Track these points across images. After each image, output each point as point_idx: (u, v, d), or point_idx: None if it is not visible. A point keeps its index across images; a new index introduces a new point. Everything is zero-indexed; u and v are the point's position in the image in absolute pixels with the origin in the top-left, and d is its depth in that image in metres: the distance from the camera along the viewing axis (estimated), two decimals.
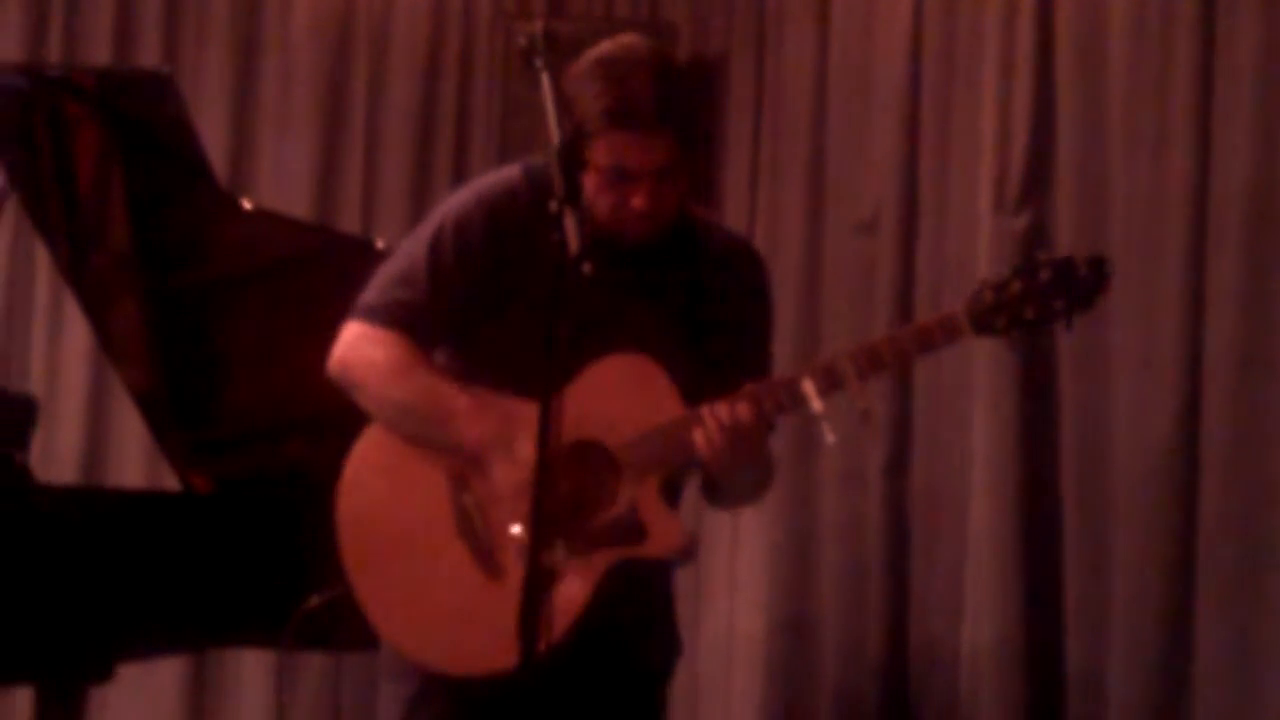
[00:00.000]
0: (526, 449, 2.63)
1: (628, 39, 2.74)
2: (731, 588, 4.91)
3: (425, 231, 2.83)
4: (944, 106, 4.58)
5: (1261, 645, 3.86)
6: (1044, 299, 2.63)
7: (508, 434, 2.69)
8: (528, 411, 2.63)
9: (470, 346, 2.83)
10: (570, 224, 2.36)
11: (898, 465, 4.56)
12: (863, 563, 4.58)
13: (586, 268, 2.35)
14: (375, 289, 2.83)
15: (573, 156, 2.62)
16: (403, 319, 2.79)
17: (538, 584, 2.36)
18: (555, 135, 2.43)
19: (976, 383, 4.36)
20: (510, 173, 2.84)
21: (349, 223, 5.24)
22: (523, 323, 2.74)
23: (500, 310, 2.78)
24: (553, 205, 2.38)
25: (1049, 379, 4.26)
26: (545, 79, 2.49)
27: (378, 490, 2.80)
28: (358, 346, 2.81)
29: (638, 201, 2.67)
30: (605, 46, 2.71)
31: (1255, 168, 3.93)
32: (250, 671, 5.12)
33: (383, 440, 2.81)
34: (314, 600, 3.42)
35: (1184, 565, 3.99)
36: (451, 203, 2.85)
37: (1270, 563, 3.87)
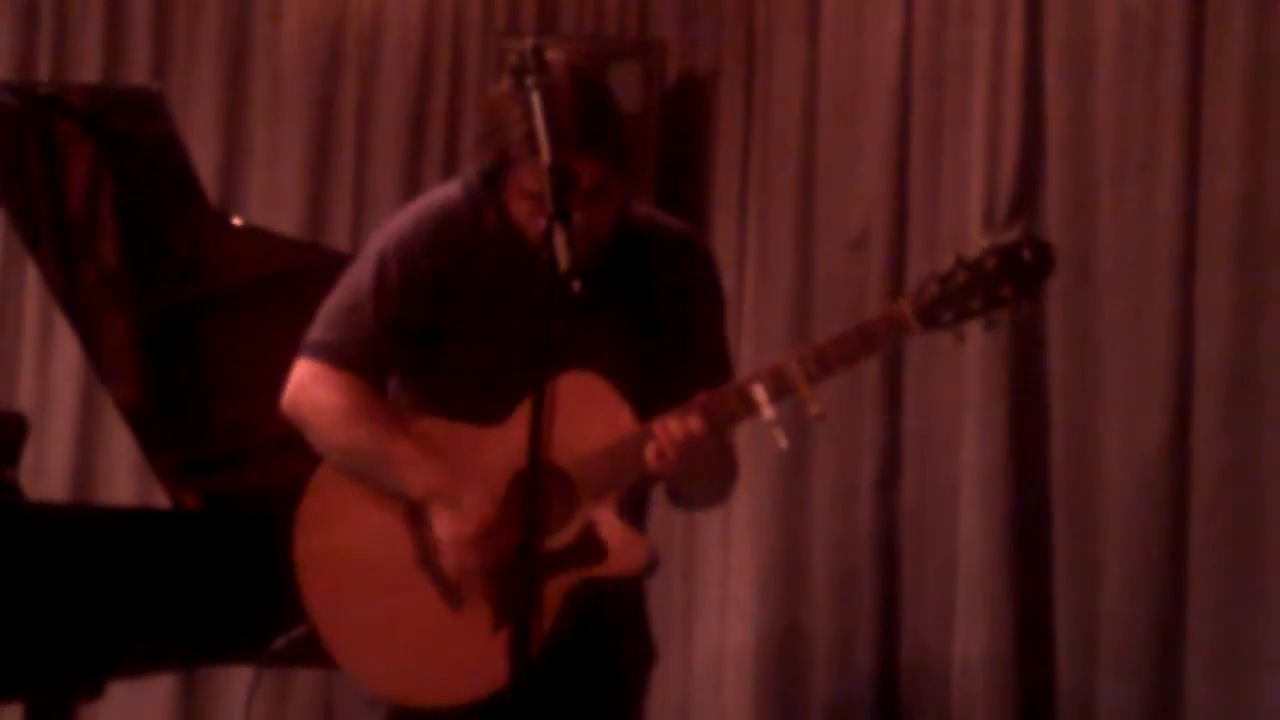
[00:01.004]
0: (472, 501, 2.66)
1: (539, 45, 2.65)
2: (723, 601, 4.91)
3: (368, 259, 2.80)
4: (934, 123, 4.58)
5: (1252, 658, 3.87)
6: (991, 287, 2.59)
7: (453, 487, 2.68)
8: (474, 456, 2.66)
9: (419, 371, 2.81)
10: (560, 241, 2.35)
11: (888, 479, 4.56)
12: (854, 576, 4.58)
13: (576, 285, 2.35)
14: (323, 324, 2.80)
15: (497, 183, 2.61)
16: (351, 357, 2.76)
17: (530, 605, 2.36)
18: (546, 153, 2.42)
19: (967, 397, 4.36)
20: (449, 190, 2.81)
21: (339, 239, 5.24)
22: (470, 348, 2.75)
23: (447, 335, 2.76)
24: (541, 222, 2.38)
25: (1039, 393, 4.27)
26: (535, 97, 2.48)
27: (335, 530, 2.78)
28: (307, 387, 2.79)
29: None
30: None
31: (1243, 184, 3.94)
32: (241, 687, 5.11)
33: (336, 479, 2.79)
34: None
35: (1174, 579, 3.99)
36: (391, 227, 2.82)
37: (1260, 576, 3.88)
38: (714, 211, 5.11)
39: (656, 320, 2.79)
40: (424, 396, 2.79)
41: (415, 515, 2.73)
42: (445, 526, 2.69)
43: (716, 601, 4.92)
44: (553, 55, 2.63)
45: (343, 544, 2.77)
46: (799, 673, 4.68)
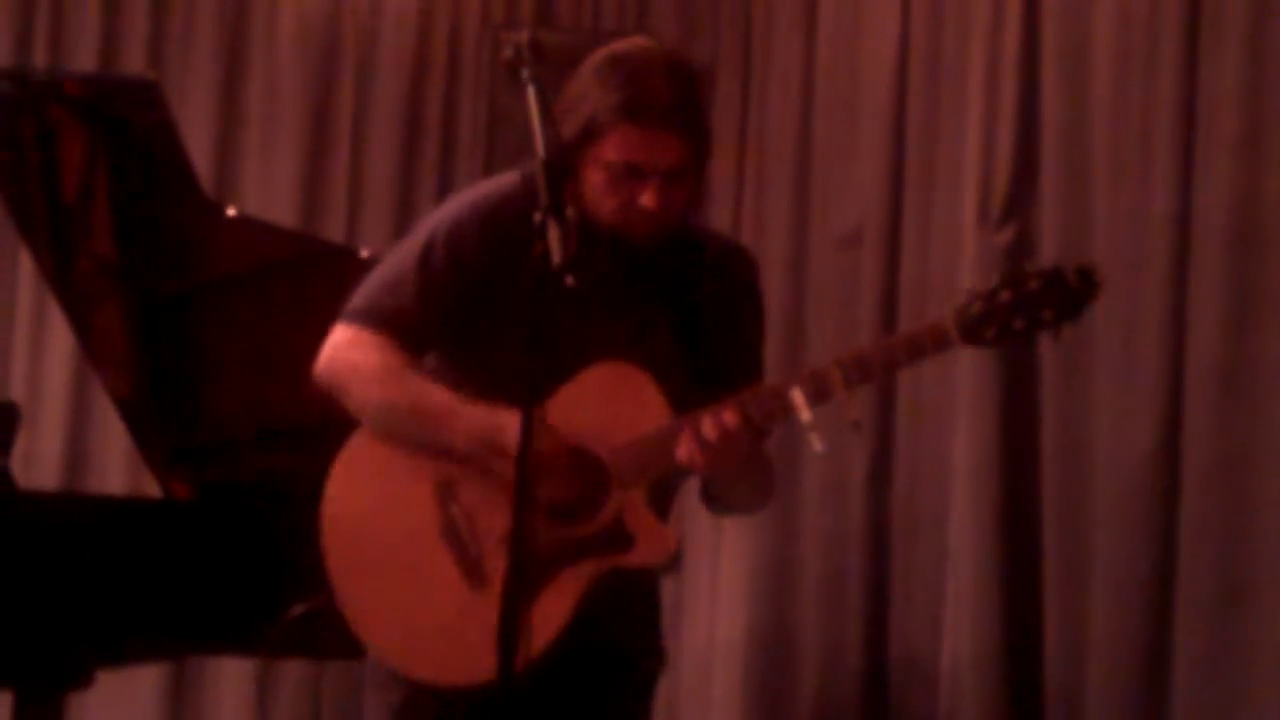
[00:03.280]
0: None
1: (644, 40, 2.74)
2: (713, 596, 4.91)
3: (418, 238, 2.81)
4: (930, 120, 4.59)
5: (1241, 660, 3.87)
6: (1033, 309, 2.60)
7: (500, 437, 2.66)
8: (517, 415, 2.65)
9: (459, 354, 2.81)
10: (554, 235, 2.36)
11: (879, 476, 4.56)
12: (844, 573, 4.59)
13: (569, 280, 2.35)
14: (365, 293, 2.81)
15: (576, 157, 2.62)
16: (392, 323, 2.76)
17: (519, 592, 2.36)
18: (540, 147, 2.42)
19: (959, 395, 4.37)
20: (507, 180, 2.81)
21: (334, 231, 5.24)
22: (512, 332, 2.74)
23: (491, 318, 2.76)
24: (537, 216, 2.38)
25: (1031, 392, 4.27)
26: (531, 90, 2.48)
27: (363, 498, 2.78)
28: (345, 350, 2.79)
29: (646, 200, 2.65)
30: (622, 45, 2.71)
31: (1237, 185, 3.94)
32: (229, 679, 5.12)
33: (368, 447, 2.79)
34: (298, 609, 3.41)
35: (1164, 579, 3.99)
36: (446, 209, 2.83)
37: (1249, 578, 3.88)
38: (709, 204, 5.10)
39: (701, 325, 2.81)
40: (464, 376, 2.78)
41: (445, 489, 2.73)
42: (491, 482, 2.67)
43: (706, 597, 4.93)
44: (648, 39, 2.73)
45: (368, 512, 2.77)
46: (788, 669, 4.69)
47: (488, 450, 2.67)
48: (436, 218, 2.82)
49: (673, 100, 2.64)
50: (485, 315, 2.77)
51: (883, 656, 4.52)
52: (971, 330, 2.62)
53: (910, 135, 4.62)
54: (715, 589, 4.91)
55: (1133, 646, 4.02)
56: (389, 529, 2.76)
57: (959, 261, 4.40)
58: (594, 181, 2.67)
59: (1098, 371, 4.15)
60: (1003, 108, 4.36)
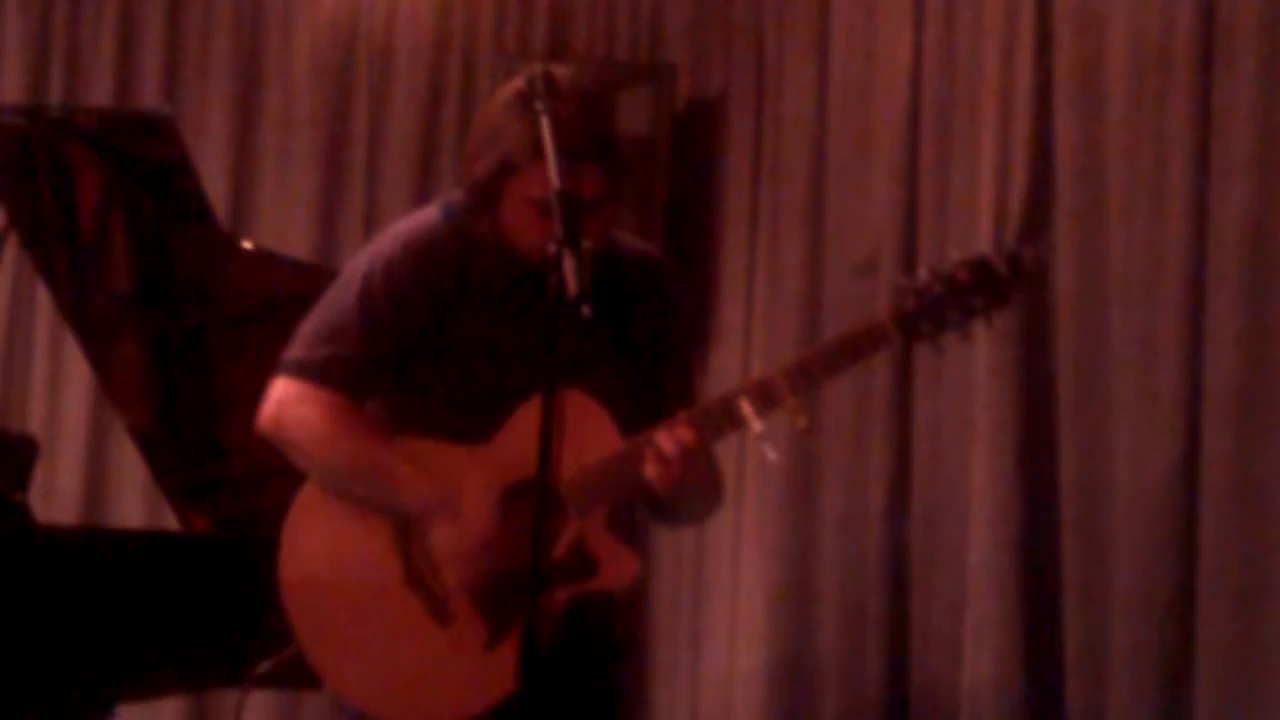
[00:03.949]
0: (471, 512, 2.66)
1: (552, 69, 2.67)
2: (732, 627, 4.90)
3: (352, 282, 2.78)
4: (943, 147, 4.58)
5: (1261, 685, 3.85)
6: (964, 299, 2.62)
7: (452, 497, 2.68)
8: (468, 470, 2.66)
9: (400, 393, 2.80)
10: (569, 266, 2.35)
11: (898, 505, 4.55)
12: (863, 602, 4.58)
13: (586, 310, 2.34)
14: (304, 344, 2.79)
15: (494, 192, 2.61)
16: (336, 376, 2.75)
17: (535, 622, 2.36)
18: (555, 179, 2.42)
19: (977, 423, 4.36)
20: (429, 215, 2.80)
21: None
22: (455, 366, 2.74)
23: (432, 355, 2.75)
24: (551, 248, 2.38)
25: (1049, 419, 4.26)
26: (544, 121, 2.49)
27: (321, 549, 2.77)
28: (290, 405, 2.77)
29: None
30: (531, 76, 2.64)
31: (1252, 208, 3.93)
32: (253, 709, 5.10)
33: (321, 500, 2.78)
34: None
35: (1183, 604, 3.98)
36: (374, 251, 2.80)
37: (1270, 603, 3.86)
38: (724, 235, 5.11)
39: (632, 340, 2.80)
40: (405, 415, 2.78)
41: (402, 533, 2.73)
42: (446, 540, 2.69)
43: (726, 625, 4.92)
44: (557, 68, 2.66)
45: (329, 565, 2.76)
46: (808, 697, 4.68)
47: (441, 519, 2.68)
48: (367, 260, 2.79)
49: (587, 131, 2.61)
50: (425, 353, 2.75)
51: (903, 685, 4.51)
52: (909, 326, 2.64)
53: (924, 162, 4.62)
54: (735, 618, 4.90)
55: (1153, 671, 4.00)
56: (350, 579, 2.75)
57: None
58: (515, 217, 2.66)
59: (1116, 396, 4.14)
60: (1017, 133, 4.35)
